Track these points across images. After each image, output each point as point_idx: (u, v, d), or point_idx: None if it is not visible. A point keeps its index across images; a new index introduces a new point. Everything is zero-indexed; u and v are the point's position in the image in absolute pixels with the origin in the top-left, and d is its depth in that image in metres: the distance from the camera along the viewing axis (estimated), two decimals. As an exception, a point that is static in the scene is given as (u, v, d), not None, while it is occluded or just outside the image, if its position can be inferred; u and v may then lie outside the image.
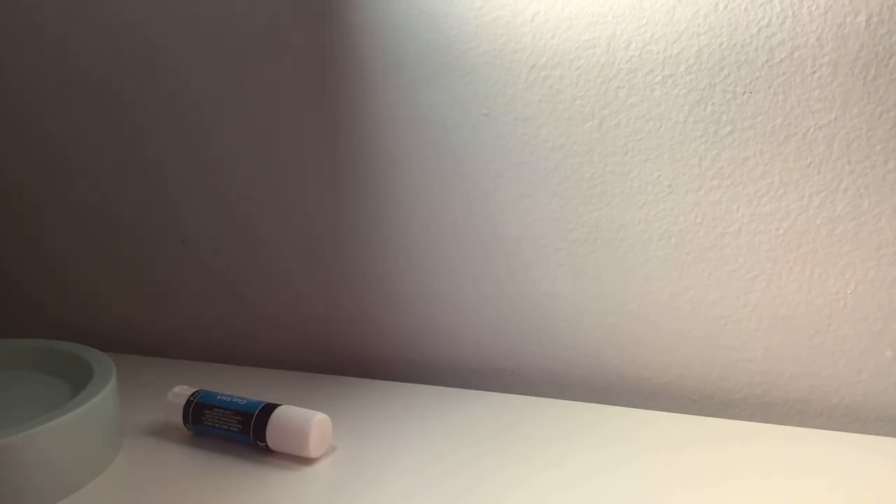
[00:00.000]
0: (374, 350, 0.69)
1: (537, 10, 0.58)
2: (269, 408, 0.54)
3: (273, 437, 0.53)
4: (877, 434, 0.57)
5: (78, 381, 0.57)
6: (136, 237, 0.74)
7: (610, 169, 0.59)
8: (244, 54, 0.66)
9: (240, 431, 0.54)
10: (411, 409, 0.61)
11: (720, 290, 0.59)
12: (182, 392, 0.57)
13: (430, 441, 0.56)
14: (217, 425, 0.55)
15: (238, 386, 0.63)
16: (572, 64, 0.58)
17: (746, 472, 0.50)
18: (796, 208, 0.56)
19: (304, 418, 0.53)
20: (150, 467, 0.53)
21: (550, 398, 0.62)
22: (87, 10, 0.70)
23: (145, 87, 0.70)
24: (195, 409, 0.56)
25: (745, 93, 0.55)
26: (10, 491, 0.47)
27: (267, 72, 0.66)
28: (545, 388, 0.65)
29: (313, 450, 0.52)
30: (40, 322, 0.81)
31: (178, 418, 0.57)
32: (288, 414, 0.53)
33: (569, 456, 0.53)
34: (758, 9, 0.54)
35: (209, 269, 0.73)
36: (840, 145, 0.54)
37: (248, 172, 0.69)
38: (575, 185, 0.60)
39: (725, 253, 0.58)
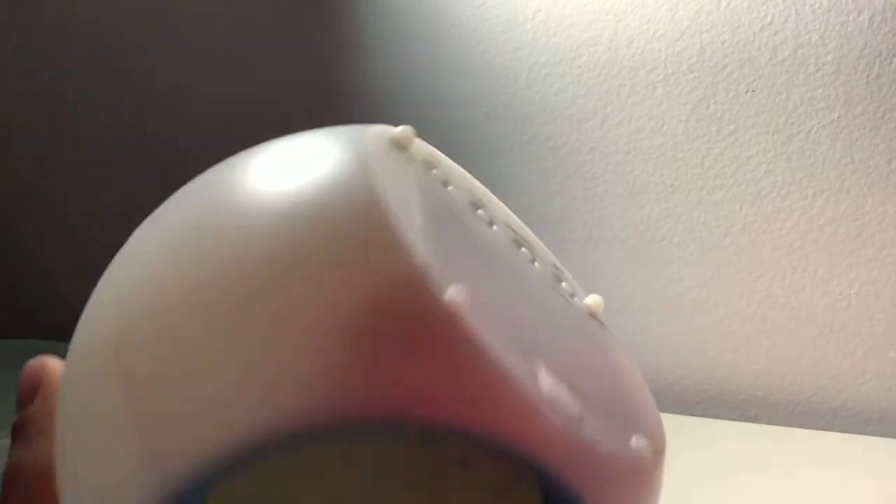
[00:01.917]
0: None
1: (538, 8, 0.57)
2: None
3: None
4: (881, 436, 0.57)
5: (73, 383, 0.56)
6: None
7: (612, 168, 0.59)
8: (246, 54, 0.66)
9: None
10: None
11: (723, 291, 0.59)
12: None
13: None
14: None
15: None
16: (573, 62, 0.58)
17: (750, 474, 0.49)
18: (799, 208, 0.56)
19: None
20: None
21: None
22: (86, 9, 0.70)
23: (145, 87, 0.70)
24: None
25: (747, 91, 0.55)
26: (3, 494, 0.47)
27: (266, 71, 0.66)
28: (546, 390, 0.64)
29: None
30: (35, 323, 0.80)
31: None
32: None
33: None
34: (760, 7, 0.53)
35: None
36: (843, 144, 0.54)
37: (246, 172, 0.68)
38: (576, 185, 0.60)
39: (728, 253, 0.58)
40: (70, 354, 0.19)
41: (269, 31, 0.65)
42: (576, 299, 0.22)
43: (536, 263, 0.21)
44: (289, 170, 0.17)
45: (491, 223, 0.21)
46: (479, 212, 0.21)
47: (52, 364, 0.24)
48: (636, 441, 0.17)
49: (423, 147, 0.20)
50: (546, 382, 0.15)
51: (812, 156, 0.55)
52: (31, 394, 0.24)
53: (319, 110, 0.65)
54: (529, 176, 0.61)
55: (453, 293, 0.14)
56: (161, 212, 0.19)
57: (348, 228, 0.15)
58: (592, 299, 0.22)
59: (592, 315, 0.21)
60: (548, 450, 0.14)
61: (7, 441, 0.47)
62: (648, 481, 0.17)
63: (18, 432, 0.23)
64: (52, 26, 0.71)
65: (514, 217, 0.23)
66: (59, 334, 0.77)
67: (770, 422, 0.59)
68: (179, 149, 0.70)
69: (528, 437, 0.14)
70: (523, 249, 0.21)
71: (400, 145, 0.19)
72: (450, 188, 0.20)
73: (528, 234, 0.23)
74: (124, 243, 0.20)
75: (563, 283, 0.22)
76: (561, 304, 0.21)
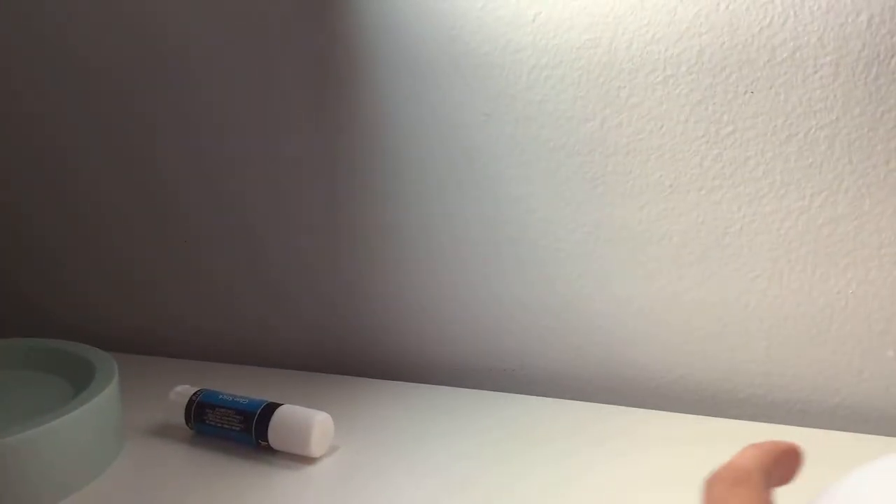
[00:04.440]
0: (375, 350, 0.70)
1: (539, 11, 0.58)
2: (271, 407, 0.54)
3: (275, 436, 0.53)
4: (879, 434, 0.57)
5: (80, 381, 0.57)
6: (139, 237, 0.74)
7: (611, 169, 0.59)
8: (245, 54, 0.66)
9: (242, 431, 0.54)
10: (413, 408, 0.61)
11: (722, 290, 0.59)
12: (184, 391, 0.57)
13: (431, 440, 0.56)
14: (219, 424, 0.55)
15: (240, 385, 0.64)
16: (574, 64, 0.58)
17: (748, 472, 0.50)
18: (798, 208, 0.56)
19: (305, 418, 0.53)
20: (151, 467, 0.53)
21: (551, 398, 0.62)
22: (87, 6, 0.70)
23: (144, 87, 0.70)
24: (197, 409, 0.56)
25: (746, 92, 0.55)
26: (12, 490, 0.47)
27: (267, 72, 0.66)
28: (546, 388, 0.65)
29: (315, 449, 0.52)
30: (42, 322, 0.81)
31: (180, 418, 0.57)
32: (290, 413, 0.53)
33: (569, 455, 0.53)
34: (759, 8, 0.54)
35: (211, 268, 0.73)
36: (841, 145, 0.54)
37: (248, 172, 0.69)
38: (576, 186, 0.60)
39: (727, 253, 0.58)
40: None
41: (267, 28, 0.65)
42: None
43: None
44: None
45: None
46: None
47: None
48: None
49: None
50: None
51: (810, 157, 0.55)
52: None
53: (320, 109, 0.66)
54: (530, 177, 0.61)
55: None
56: None
57: None
58: None
59: None
60: None
61: (10, 440, 0.47)
62: None
63: None
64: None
65: None
66: (69, 334, 0.78)
67: (768, 420, 0.60)
68: (191, 149, 0.71)
69: None
70: None
71: None
72: None
73: None
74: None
75: None
76: None
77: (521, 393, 0.64)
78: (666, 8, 0.55)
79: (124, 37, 0.70)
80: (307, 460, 0.53)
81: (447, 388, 0.65)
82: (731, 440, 0.54)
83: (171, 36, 0.68)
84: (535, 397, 0.62)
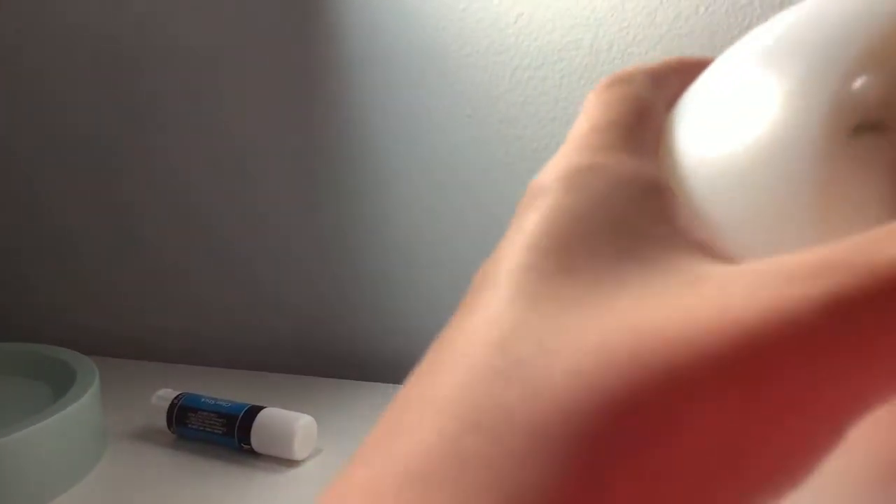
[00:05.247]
0: (360, 351, 0.70)
1: (521, 13, 0.58)
2: (254, 410, 0.54)
3: (258, 439, 0.53)
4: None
5: (60, 385, 0.57)
6: (118, 243, 0.74)
7: (593, 170, 0.59)
8: (223, 53, 0.66)
9: (224, 434, 0.54)
10: (396, 410, 0.61)
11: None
12: (166, 395, 0.57)
13: (415, 442, 0.56)
14: (201, 428, 0.55)
15: (222, 388, 0.63)
16: (555, 66, 0.58)
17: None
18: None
19: (289, 420, 0.53)
20: (134, 471, 0.53)
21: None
22: (50, 15, 0.70)
23: (119, 86, 0.70)
24: (179, 412, 0.56)
25: (726, 95, 0.56)
26: (-9, 496, 0.47)
27: (246, 71, 0.66)
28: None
29: (298, 452, 0.52)
30: (22, 326, 0.80)
31: (162, 421, 0.56)
32: (273, 416, 0.53)
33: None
34: (738, 11, 0.54)
35: (192, 273, 0.73)
36: (819, 146, 0.55)
37: (231, 174, 0.69)
38: (558, 187, 0.60)
39: (707, 253, 0.59)
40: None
41: (247, 27, 0.65)
42: None
43: None
44: None
45: None
46: None
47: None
48: None
49: None
50: None
51: (789, 158, 0.55)
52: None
53: (293, 111, 0.65)
54: (512, 178, 0.61)
55: None
56: None
57: None
58: None
59: None
60: None
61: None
62: None
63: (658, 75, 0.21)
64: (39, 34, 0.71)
65: None
66: (31, 336, 0.77)
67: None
68: (165, 149, 0.71)
69: None
70: None
71: None
72: None
73: None
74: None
75: None
76: None
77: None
78: (645, 11, 0.56)
79: (100, 40, 0.69)
80: (290, 463, 0.53)
81: (431, 389, 0.65)
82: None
83: (142, 35, 0.68)
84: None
